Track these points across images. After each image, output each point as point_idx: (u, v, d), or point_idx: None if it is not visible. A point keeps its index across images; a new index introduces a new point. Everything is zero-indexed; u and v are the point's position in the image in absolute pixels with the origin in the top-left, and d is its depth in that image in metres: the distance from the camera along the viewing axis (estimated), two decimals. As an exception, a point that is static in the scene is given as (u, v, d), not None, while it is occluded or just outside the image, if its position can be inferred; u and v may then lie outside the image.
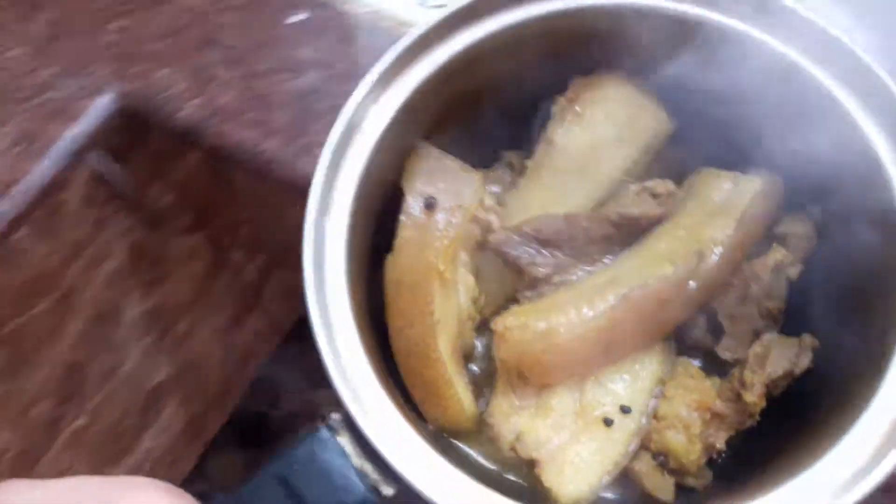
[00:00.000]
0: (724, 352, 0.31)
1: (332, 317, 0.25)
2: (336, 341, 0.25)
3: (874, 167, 0.28)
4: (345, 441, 0.24)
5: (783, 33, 0.30)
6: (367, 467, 0.24)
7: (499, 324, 0.29)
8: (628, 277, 0.28)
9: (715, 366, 0.32)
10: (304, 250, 0.26)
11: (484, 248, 0.33)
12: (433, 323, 0.29)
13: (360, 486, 0.23)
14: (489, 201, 0.33)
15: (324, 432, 0.24)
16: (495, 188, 0.36)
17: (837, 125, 0.29)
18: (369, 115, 0.29)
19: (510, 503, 0.23)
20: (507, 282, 0.33)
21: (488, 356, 0.33)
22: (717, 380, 0.31)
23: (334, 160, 0.28)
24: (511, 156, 0.37)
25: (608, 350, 0.29)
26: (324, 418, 0.24)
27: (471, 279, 0.33)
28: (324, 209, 0.27)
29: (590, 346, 0.28)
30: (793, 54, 0.29)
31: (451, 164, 0.31)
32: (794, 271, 0.30)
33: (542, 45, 0.32)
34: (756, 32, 0.30)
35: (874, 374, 0.26)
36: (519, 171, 0.36)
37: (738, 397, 0.29)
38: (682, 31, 0.30)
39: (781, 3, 0.30)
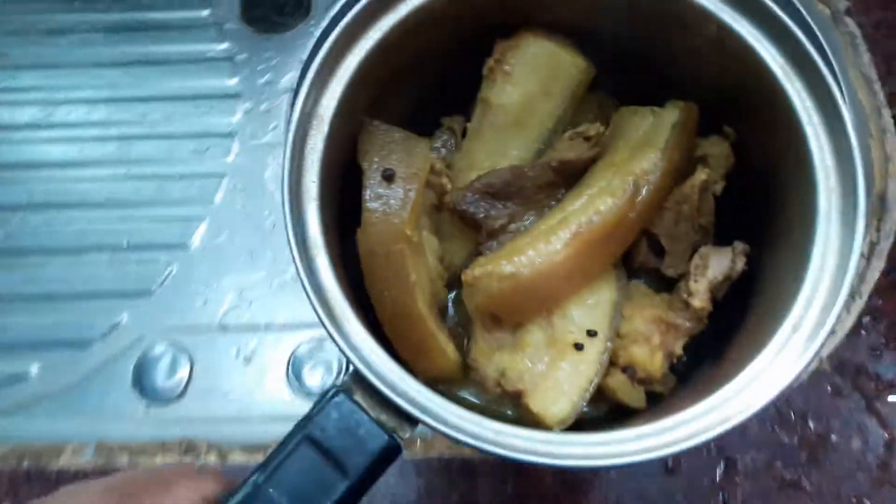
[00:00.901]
0: (668, 268, 0.34)
1: (328, 296, 0.28)
2: (337, 317, 0.27)
3: (771, 86, 0.31)
4: (360, 398, 0.26)
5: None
6: (384, 417, 0.26)
7: (468, 275, 0.32)
8: (576, 215, 0.31)
9: (662, 282, 0.35)
10: (289, 238, 0.28)
11: (441, 209, 0.36)
12: (410, 285, 0.31)
13: (382, 435, 0.26)
14: (439, 165, 0.35)
15: (340, 396, 0.26)
16: (443, 152, 0.39)
17: (741, 54, 0.32)
18: (321, 99, 0.31)
19: (512, 427, 0.26)
20: (467, 237, 0.36)
21: (461, 308, 0.35)
22: (666, 295, 0.34)
23: (298, 146, 0.30)
24: (451, 121, 0.39)
25: (568, 282, 0.32)
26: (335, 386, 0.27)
27: (434, 240, 0.35)
28: (295, 194, 0.29)
29: (551, 281, 0.31)
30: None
31: (399, 134, 0.33)
32: (718, 188, 0.34)
33: (463, 12, 0.34)
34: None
35: (798, 268, 0.30)
36: (461, 134, 0.38)
37: (687, 306, 0.33)
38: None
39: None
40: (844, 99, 0.30)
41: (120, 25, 0.53)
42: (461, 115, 0.39)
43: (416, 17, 0.32)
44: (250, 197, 0.49)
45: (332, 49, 0.31)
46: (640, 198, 0.32)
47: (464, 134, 0.38)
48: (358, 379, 0.27)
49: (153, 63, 0.53)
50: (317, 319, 0.27)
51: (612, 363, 0.33)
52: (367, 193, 0.32)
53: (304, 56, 0.52)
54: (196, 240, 0.48)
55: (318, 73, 0.31)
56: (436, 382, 0.34)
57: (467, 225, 0.35)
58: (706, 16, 0.31)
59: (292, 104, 0.30)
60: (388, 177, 0.32)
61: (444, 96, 0.38)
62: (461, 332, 0.36)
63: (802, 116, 0.30)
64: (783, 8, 0.30)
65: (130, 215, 0.49)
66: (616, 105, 0.37)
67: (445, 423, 0.26)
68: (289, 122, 0.29)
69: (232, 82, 0.52)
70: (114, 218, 0.49)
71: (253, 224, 0.48)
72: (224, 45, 0.53)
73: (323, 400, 0.26)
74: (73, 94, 0.52)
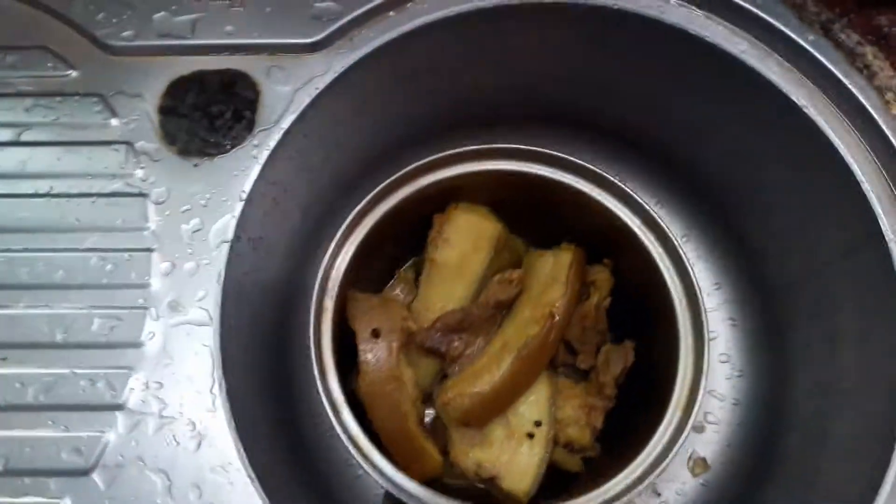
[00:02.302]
0: (581, 364, 0.47)
1: (359, 442, 0.38)
2: (366, 454, 0.38)
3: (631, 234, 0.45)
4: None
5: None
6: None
7: (443, 397, 0.43)
8: (514, 341, 0.43)
9: (578, 375, 0.48)
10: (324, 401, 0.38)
11: (409, 346, 0.47)
12: (403, 413, 0.42)
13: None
14: (405, 312, 0.47)
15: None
16: (401, 296, 0.50)
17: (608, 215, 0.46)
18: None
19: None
20: (432, 362, 0.47)
21: (437, 418, 0.46)
22: (582, 384, 0.47)
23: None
24: (404, 272, 0.51)
25: (516, 389, 0.44)
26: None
27: (410, 372, 0.46)
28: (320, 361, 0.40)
29: (504, 392, 0.43)
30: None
31: (376, 300, 0.45)
32: (606, 303, 0.47)
33: (416, 204, 0.47)
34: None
35: (672, 358, 0.44)
36: (413, 282, 0.50)
37: (601, 391, 0.45)
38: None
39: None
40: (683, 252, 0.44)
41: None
42: (410, 266, 0.51)
43: (387, 213, 0.44)
44: (169, 403, 0.39)
45: (341, 236, 0.43)
46: (555, 321, 0.44)
47: (416, 281, 0.50)
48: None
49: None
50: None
51: (556, 442, 0.44)
52: (362, 350, 0.43)
53: (246, 189, 0.43)
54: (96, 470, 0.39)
55: (331, 254, 0.42)
56: (427, 479, 0.44)
57: (432, 354, 0.47)
58: (581, 193, 0.46)
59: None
60: (376, 334, 0.43)
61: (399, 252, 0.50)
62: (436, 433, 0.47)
63: (653, 254, 0.44)
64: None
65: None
66: (525, 245, 0.50)
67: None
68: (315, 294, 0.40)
69: (145, 230, 0.42)
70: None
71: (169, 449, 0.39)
72: (136, 174, 0.43)
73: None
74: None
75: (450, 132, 0.60)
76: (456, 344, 0.45)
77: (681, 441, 0.41)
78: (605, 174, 0.46)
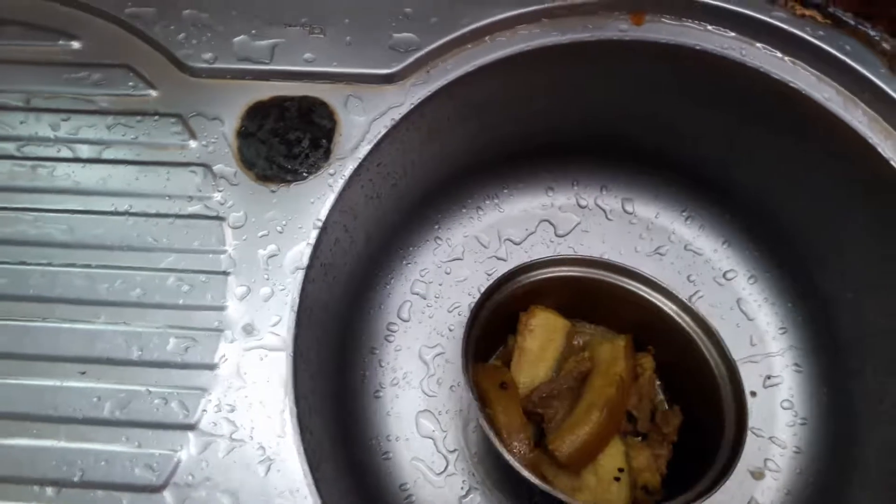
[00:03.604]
0: (641, 428, 0.52)
1: None
2: None
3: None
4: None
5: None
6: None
7: (552, 444, 0.47)
8: (597, 401, 0.48)
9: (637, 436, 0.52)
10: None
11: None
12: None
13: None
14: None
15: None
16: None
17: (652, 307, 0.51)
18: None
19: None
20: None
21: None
22: (646, 441, 0.51)
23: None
24: (495, 360, 0.56)
25: (601, 440, 0.48)
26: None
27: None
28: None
29: (597, 440, 0.48)
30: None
31: (493, 365, 0.55)
32: (654, 379, 0.53)
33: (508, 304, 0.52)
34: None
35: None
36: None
37: (662, 442, 0.50)
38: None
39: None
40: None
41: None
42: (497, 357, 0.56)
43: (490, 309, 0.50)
44: (240, 426, 0.40)
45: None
46: (624, 383, 0.49)
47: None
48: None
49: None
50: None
51: (634, 485, 0.49)
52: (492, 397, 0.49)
53: (322, 217, 0.43)
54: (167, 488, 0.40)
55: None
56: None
57: (532, 417, 0.51)
58: (622, 288, 0.52)
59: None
60: (503, 386, 0.49)
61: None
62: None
63: (696, 340, 0.49)
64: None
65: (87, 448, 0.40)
66: (588, 331, 0.55)
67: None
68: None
69: (222, 253, 0.43)
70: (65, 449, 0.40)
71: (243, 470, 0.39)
72: (214, 197, 0.44)
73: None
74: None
75: (516, 162, 0.60)
76: (550, 406, 0.50)
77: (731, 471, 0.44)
78: (646, 275, 0.51)
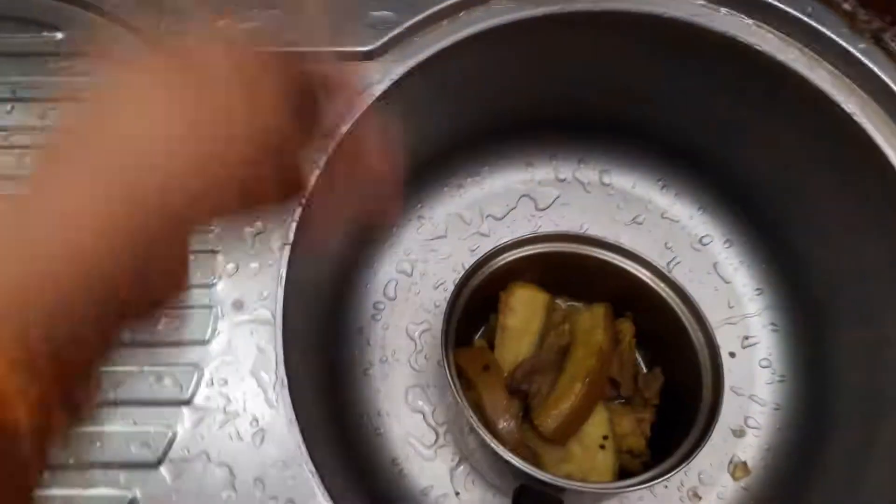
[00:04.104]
0: (624, 392, 0.53)
1: None
2: None
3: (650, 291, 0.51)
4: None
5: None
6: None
7: (537, 420, 0.48)
8: (578, 373, 0.49)
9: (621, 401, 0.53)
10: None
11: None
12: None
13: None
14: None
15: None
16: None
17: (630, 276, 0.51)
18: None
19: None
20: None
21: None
22: (629, 406, 0.52)
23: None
24: (479, 340, 0.56)
25: (585, 411, 0.49)
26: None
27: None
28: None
29: (580, 412, 0.49)
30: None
31: (477, 349, 0.54)
32: (633, 342, 0.54)
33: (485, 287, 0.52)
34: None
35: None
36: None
37: (645, 406, 0.51)
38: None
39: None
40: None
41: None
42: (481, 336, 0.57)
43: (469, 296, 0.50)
44: (233, 399, 0.42)
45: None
46: (604, 353, 0.50)
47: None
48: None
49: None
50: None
51: (619, 450, 0.50)
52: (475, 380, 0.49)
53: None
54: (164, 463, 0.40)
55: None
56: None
57: (516, 394, 0.51)
58: (599, 260, 0.52)
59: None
60: (486, 368, 0.49)
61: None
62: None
63: (674, 308, 0.50)
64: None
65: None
66: (566, 302, 0.56)
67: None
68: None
69: (210, 232, 0.45)
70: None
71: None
72: None
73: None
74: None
75: (495, 137, 0.61)
76: (534, 382, 0.51)
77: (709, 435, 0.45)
78: (621, 245, 0.52)
